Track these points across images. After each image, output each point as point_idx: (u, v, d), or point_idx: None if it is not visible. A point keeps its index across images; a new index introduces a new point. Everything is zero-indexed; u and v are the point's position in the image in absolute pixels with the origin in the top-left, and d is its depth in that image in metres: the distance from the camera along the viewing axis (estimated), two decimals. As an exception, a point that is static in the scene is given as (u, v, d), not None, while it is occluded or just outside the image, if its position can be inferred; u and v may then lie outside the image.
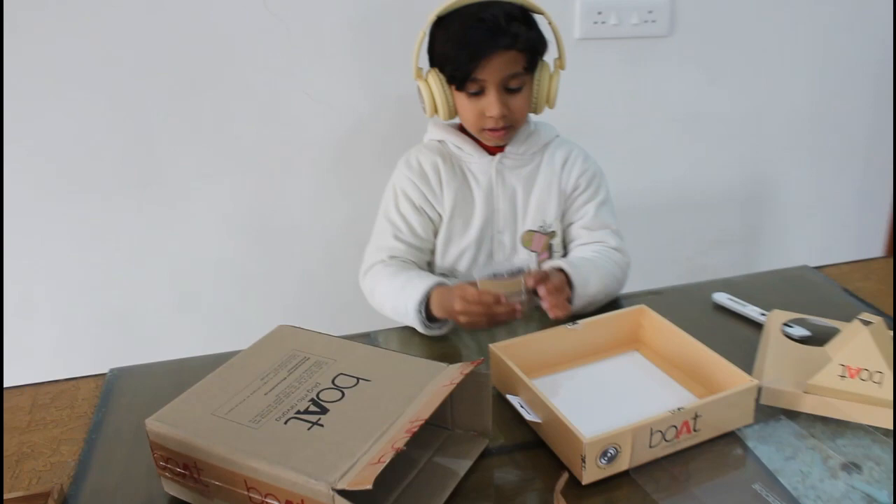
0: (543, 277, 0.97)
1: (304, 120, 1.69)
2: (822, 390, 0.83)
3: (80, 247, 1.67)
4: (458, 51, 1.05)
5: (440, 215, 1.16)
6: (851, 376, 0.81)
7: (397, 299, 1.05)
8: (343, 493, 0.62)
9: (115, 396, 0.95)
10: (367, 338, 1.05)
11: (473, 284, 0.97)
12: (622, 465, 0.75)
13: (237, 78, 1.63)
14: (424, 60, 1.12)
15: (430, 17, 1.06)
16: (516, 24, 1.05)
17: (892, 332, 0.85)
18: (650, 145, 1.89)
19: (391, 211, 1.16)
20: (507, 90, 1.08)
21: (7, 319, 1.61)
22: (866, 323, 0.83)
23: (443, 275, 1.17)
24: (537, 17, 1.11)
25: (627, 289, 1.17)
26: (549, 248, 1.19)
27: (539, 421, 0.79)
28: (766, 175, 1.98)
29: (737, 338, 1.01)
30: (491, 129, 1.10)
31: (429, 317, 1.02)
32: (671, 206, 1.95)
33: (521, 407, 0.81)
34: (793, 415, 0.84)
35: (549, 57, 1.14)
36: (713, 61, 1.82)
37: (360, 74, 1.63)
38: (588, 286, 1.05)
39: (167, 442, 0.73)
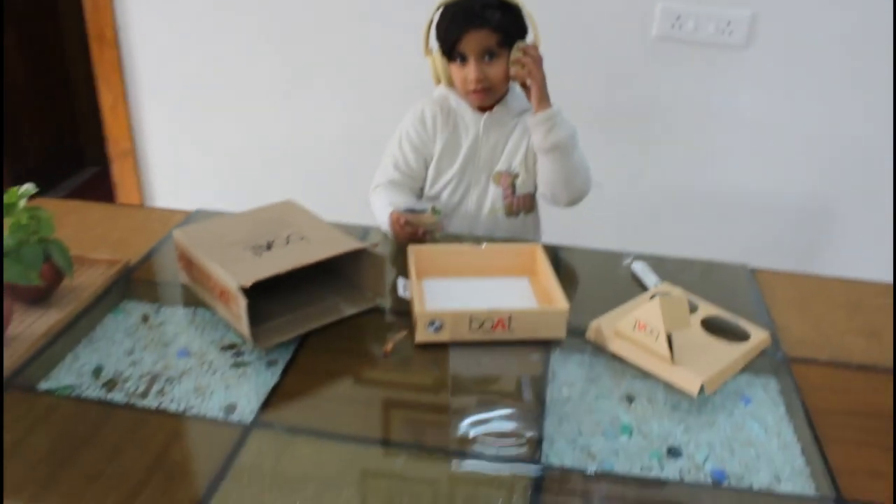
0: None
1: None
2: (621, 335, 1.09)
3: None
4: (446, 29, 1.41)
5: (432, 154, 1.52)
6: (640, 329, 1.07)
7: (379, 215, 1.45)
8: (243, 291, 1.03)
9: (189, 223, 1.44)
10: (362, 229, 1.45)
11: (411, 212, 1.34)
12: (445, 336, 1.09)
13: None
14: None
15: (435, 5, 1.41)
16: (490, 11, 1.38)
17: (684, 303, 1.08)
18: (715, 148, 2.04)
19: (395, 146, 1.54)
20: (484, 61, 1.40)
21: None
22: (665, 294, 1.07)
23: (431, 198, 1.54)
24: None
25: (582, 243, 1.44)
26: (513, 186, 1.53)
27: (407, 297, 1.15)
28: (833, 191, 2.03)
29: (626, 294, 1.25)
30: (473, 91, 1.44)
31: None
32: (730, 206, 2.09)
33: (402, 286, 1.16)
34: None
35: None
36: (789, 77, 1.92)
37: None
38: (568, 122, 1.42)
39: (181, 245, 1.19)
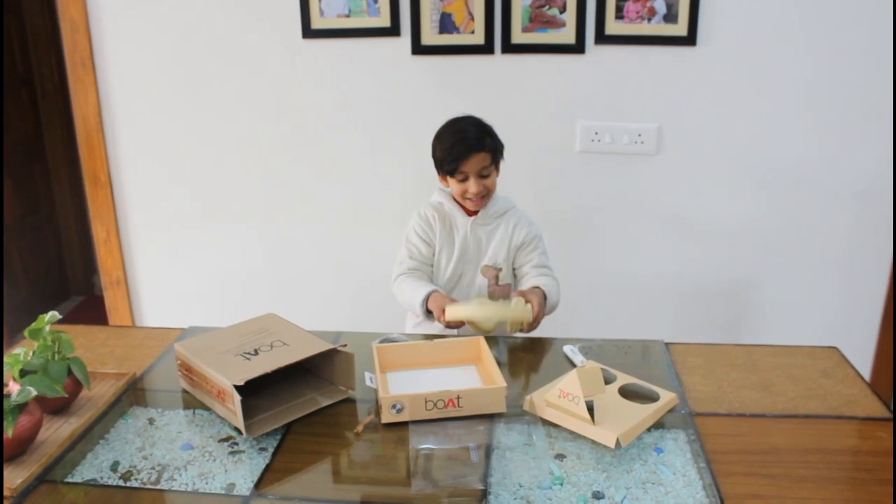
0: (532, 294, 1.68)
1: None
2: (550, 404, 1.32)
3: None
4: (449, 152, 1.75)
5: (435, 244, 1.85)
6: (564, 396, 1.30)
7: (411, 299, 1.77)
8: (236, 388, 1.25)
9: (184, 338, 1.66)
10: (334, 334, 1.68)
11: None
12: (406, 416, 1.31)
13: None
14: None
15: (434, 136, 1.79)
16: (485, 136, 1.76)
17: (598, 372, 1.32)
18: (638, 241, 2.34)
19: (407, 242, 1.87)
20: (481, 176, 1.76)
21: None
22: (581, 366, 1.31)
23: (437, 286, 1.84)
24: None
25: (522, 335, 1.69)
26: (497, 277, 1.84)
27: (374, 387, 1.37)
28: (747, 274, 2.32)
29: (559, 373, 1.48)
30: (472, 200, 1.78)
31: (427, 310, 1.74)
32: (652, 289, 2.37)
33: (369, 379, 1.39)
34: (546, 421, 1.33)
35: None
36: (693, 176, 2.25)
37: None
38: (552, 296, 1.76)
39: (181, 355, 1.41)
